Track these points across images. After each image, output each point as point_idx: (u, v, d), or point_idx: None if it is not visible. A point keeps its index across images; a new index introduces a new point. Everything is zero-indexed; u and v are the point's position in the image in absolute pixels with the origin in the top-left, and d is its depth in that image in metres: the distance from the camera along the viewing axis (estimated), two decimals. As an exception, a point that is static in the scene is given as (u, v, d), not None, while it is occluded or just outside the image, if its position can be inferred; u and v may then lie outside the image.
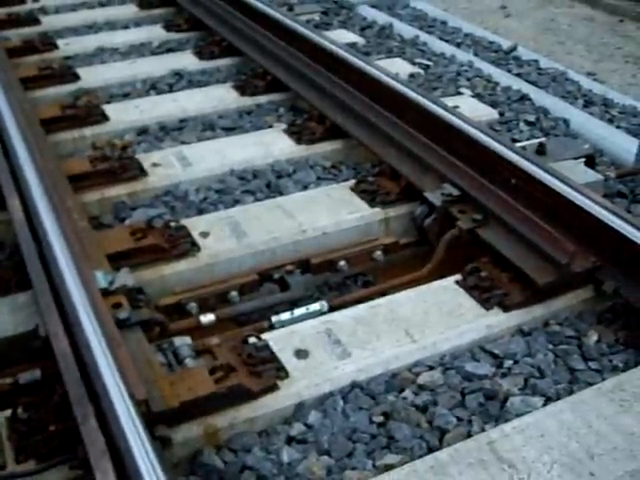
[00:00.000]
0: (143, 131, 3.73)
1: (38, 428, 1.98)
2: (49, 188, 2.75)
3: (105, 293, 2.31)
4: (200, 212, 3.05)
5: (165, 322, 2.37)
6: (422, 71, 4.38)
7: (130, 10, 5.59)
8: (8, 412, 2.04)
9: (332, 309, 2.52)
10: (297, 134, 3.56)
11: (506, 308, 2.44)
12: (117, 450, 1.77)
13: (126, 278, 2.39)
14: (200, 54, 4.60)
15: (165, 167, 3.32)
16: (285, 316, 2.48)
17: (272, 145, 3.50)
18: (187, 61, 4.55)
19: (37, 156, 2.98)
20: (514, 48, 4.87)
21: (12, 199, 2.78)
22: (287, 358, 2.24)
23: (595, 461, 1.90)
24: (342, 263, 2.75)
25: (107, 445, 1.77)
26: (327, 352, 2.28)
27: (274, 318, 2.47)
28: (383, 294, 2.59)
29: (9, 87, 3.68)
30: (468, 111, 3.59)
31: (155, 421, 1.95)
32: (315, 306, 2.52)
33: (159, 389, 2.04)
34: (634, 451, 1.91)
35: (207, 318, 2.48)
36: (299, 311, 2.50)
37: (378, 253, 2.80)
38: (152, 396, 1.99)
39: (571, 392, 2.17)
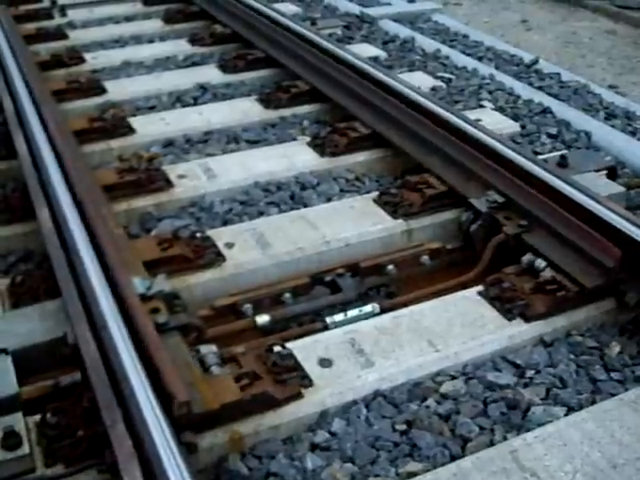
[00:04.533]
0: (169, 143, 3.77)
1: (67, 433, 2.02)
2: (84, 197, 2.81)
3: (143, 298, 2.34)
4: (225, 223, 3.09)
5: (202, 327, 2.41)
6: (444, 84, 4.41)
7: (156, 24, 5.66)
8: (37, 417, 2.08)
9: (383, 311, 2.57)
10: (320, 147, 3.59)
11: (528, 319, 2.46)
12: (145, 455, 1.81)
13: (163, 284, 2.43)
14: (224, 68, 4.66)
15: (191, 179, 3.37)
16: (339, 317, 2.53)
17: (296, 157, 3.54)
18: (212, 74, 4.60)
19: (69, 166, 3.04)
20: (535, 61, 4.89)
21: (42, 210, 2.83)
22: (311, 367, 2.27)
23: (617, 471, 1.91)
24: (390, 267, 2.79)
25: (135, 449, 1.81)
26: (351, 361, 2.31)
27: (329, 319, 2.52)
28: (432, 297, 2.63)
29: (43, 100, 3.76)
30: (490, 124, 3.61)
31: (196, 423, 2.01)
32: (367, 308, 2.58)
33: (198, 392, 2.09)
34: (656, 461, 1.93)
35: (262, 319, 2.54)
36: (352, 313, 2.56)
37: (425, 257, 2.85)
38: (193, 398, 2.03)
39: (593, 402, 2.18)
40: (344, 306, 2.64)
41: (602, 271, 2.51)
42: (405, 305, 2.59)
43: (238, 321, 2.56)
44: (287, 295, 2.65)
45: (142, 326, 2.17)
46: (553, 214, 2.72)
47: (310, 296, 2.69)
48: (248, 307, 2.59)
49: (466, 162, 3.14)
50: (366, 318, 2.53)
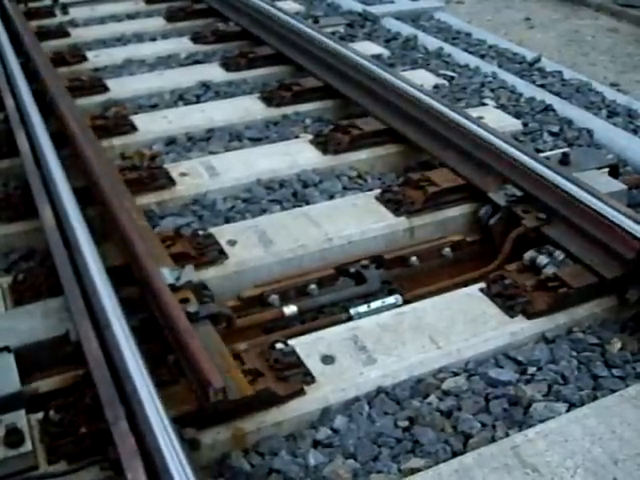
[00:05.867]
0: (171, 141, 3.78)
1: (69, 430, 2.02)
2: (108, 190, 2.86)
3: (172, 289, 2.36)
4: (227, 221, 3.09)
5: (232, 316, 2.43)
6: (446, 82, 4.41)
7: (158, 23, 5.66)
8: (40, 414, 2.08)
9: (406, 302, 2.60)
10: (323, 144, 3.59)
11: (530, 316, 2.46)
12: (147, 451, 1.82)
13: (191, 274, 2.46)
14: (227, 66, 4.66)
15: (193, 177, 3.37)
16: (363, 308, 2.56)
17: (298, 155, 3.54)
18: (214, 73, 4.61)
19: (93, 160, 3.09)
20: (538, 59, 4.88)
21: (44, 208, 2.84)
22: (313, 364, 2.28)
23: (619, 466, 1.92)
24: (414, 259, 2.83)
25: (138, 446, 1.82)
26: (353, 358, 2.31)
27: (352, 310, 2.55)
28: (453, 288, 2.65)
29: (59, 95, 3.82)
30: (492, 122, 3.62)
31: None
32: (390, 299, 2.61)
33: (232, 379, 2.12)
34: (657, 456, 1.94)
35: (290, 310, 2.57)
36: (375, 304, 2.58)
37: (447, 250, 2.88)
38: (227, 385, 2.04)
39: (594, 398, 2.19)
40: (368, 297, 2.66)
41: (621, 263, 2.53)
42: (427, 296, 2.61)
43: (266, 312, 2.60)
44: (312, 286, 2.68)
45: (174, 315, 2.20)
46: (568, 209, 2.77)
47: (335, 287, 2.72)
48: (275, 298, 2.62)
49: (472, 158, 3.19)
50: (389, 309, 2.55)
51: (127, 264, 2.61)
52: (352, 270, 2.75)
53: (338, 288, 2.71)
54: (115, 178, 3.09)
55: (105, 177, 2.97)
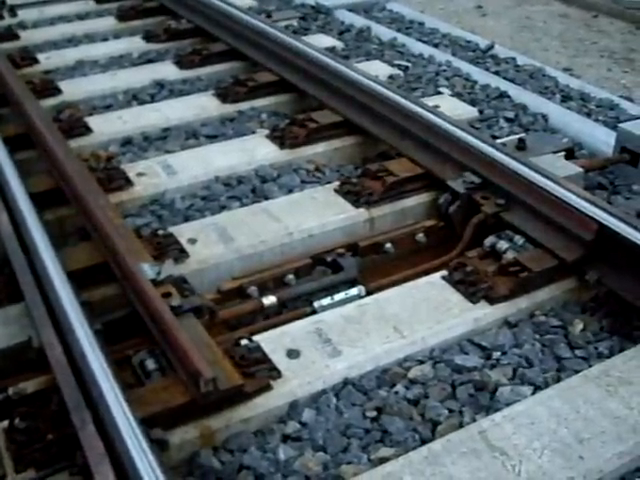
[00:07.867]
0: (127, 142, 3.74)
1: (36, 437, 2.00)
2: (82, 188, 2.86)
3: (153, 284, 2.37)
4: (187, 219, 3.07)
5: (215, 309, 2.44)
6: (401, 72, 4.43)
7: (108, 22, 5.59)
8: (5, 423, 2.06)
9: (369, 293, 2.60)
10: (280, 139, 3.59)
11: (492, 301, 2.48)
12: (116, 454, 1.81)
13: (171, 269, 2.46)
14: (180, 63, 4.62)
15: (150, 176, 3.34)
16: (326, 301, 2.56)
17: (255, 150, 3.53)
18: (168, 71, 4.57)
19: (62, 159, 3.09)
20: (491, 47, 4.92)
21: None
22: (279, 358, 2.28)
23: (584, 445, 1.95)
24: (388, 245, 2.85)
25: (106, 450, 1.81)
26: (318, 351, 2.31)
27: (316, 303, 2.55)
28: (418, 276, 2.66)
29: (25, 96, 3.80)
30: (448, 110, 3.64)
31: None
32: (353, 291, 2.62)
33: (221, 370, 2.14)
34: (621, 434, 1.97)
35: (269, 300, 2.58)
36: (339, 296, 2.59)
37: (420, 235, 2.90)
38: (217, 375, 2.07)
39: (559, 380, 2.22)
40: (346, 285, 2.68)
41: (580, 245, 2.56)
42: (391, 286, 2.62)
43: (246, 303, 2.60)
44: (290, 276, 2.69)
45: (159, 309, 2.21)
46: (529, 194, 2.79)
47: (313, 276, 2.73)
48: (254, 289, 2.62)
49: (429, 147, 3.21)
50: (352, 301, 2.56)
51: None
52: (328, 259, 2.75)
53: (316, 277, 2.72)
54: (87, 176, 3.06)
55: (78, 176, 2.96)
